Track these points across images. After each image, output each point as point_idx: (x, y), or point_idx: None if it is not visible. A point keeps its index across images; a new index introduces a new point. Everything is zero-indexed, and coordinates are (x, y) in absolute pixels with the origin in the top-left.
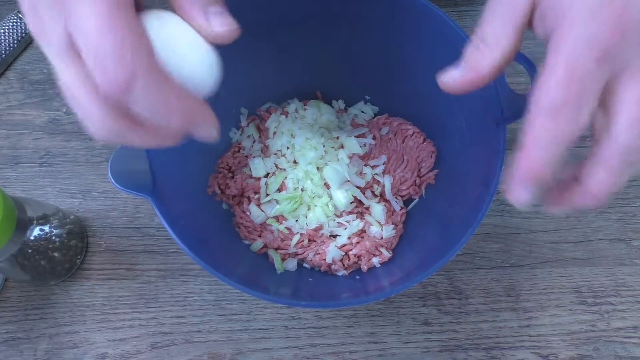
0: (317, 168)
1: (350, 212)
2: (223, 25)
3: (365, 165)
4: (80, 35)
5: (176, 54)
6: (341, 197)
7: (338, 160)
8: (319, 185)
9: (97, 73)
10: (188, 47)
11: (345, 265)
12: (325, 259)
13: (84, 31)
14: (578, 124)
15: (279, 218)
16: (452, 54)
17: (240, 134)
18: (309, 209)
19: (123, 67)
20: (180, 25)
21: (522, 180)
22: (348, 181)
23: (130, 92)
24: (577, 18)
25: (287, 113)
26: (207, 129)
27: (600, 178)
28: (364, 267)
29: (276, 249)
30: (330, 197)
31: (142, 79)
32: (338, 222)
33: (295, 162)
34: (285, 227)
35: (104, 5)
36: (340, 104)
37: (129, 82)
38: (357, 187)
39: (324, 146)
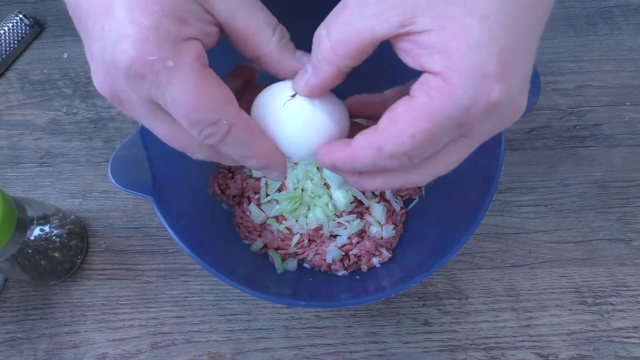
0: (317, 168)
1: (350, 212)
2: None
3: None
4: (171, 105)
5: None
6: (341, 197)
7: None
8: (319, 185)
9: (193, 132)
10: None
11: (345, 265)
12: (325, 259)
13: (176, 103)
14: (404, 167)
15: (279, 218)
16: None
17: None
18: (309, 209)
19: (215, 130)
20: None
21: (332, 166)
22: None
23: (221, 145)
24: (456, 83)
25: None
26: (277, 175)
27: (376, 182)
28: (364, 267)
29: (276, 249)
30: (330, 197)
31: (231, 136)
32: (338, 222)
33: (295, 162)
34: (285, 227)
35: (190, 76)
36: None
37: (219, 140)
38: None
39: None
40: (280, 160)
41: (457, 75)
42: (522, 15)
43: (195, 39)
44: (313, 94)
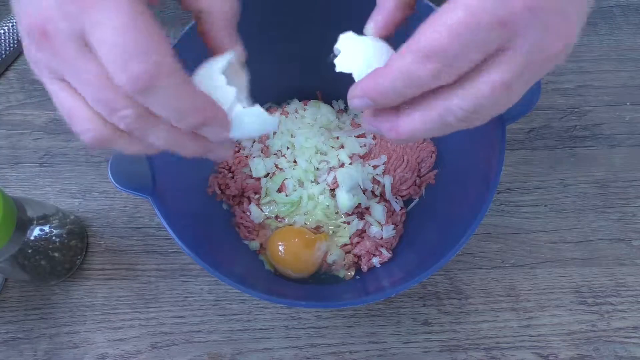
0: (317, 168)
1: (350, 213)
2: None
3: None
4: (102, 34)
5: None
6: (346, 199)
7: (346, 162)
8: (318, 191)
9: (119, 71)
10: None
11: (346, 265)
12: (325, 259)
13: (109, 30)
14: (439, 78)
15: (277, 217)
16: None
17: None
18: (307, 215)
19: (148, 65)
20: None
21: (361, 92)
22: (358, 186)
23: (153, 89)
24: None
25: (287, 113)
26: (220, 131)
27: (413, 119)
28: (364, 267)
29: None
30: (331, 197)
31: (165, 77)
32: (338, 222)
33: (295, 162)
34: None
35: (126, 8)
36: (340, 104)
37: (153, 79)
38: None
39: (324, 145)
40: (221, 114)
41: None
42: None
43: None
44: (382, 33)
